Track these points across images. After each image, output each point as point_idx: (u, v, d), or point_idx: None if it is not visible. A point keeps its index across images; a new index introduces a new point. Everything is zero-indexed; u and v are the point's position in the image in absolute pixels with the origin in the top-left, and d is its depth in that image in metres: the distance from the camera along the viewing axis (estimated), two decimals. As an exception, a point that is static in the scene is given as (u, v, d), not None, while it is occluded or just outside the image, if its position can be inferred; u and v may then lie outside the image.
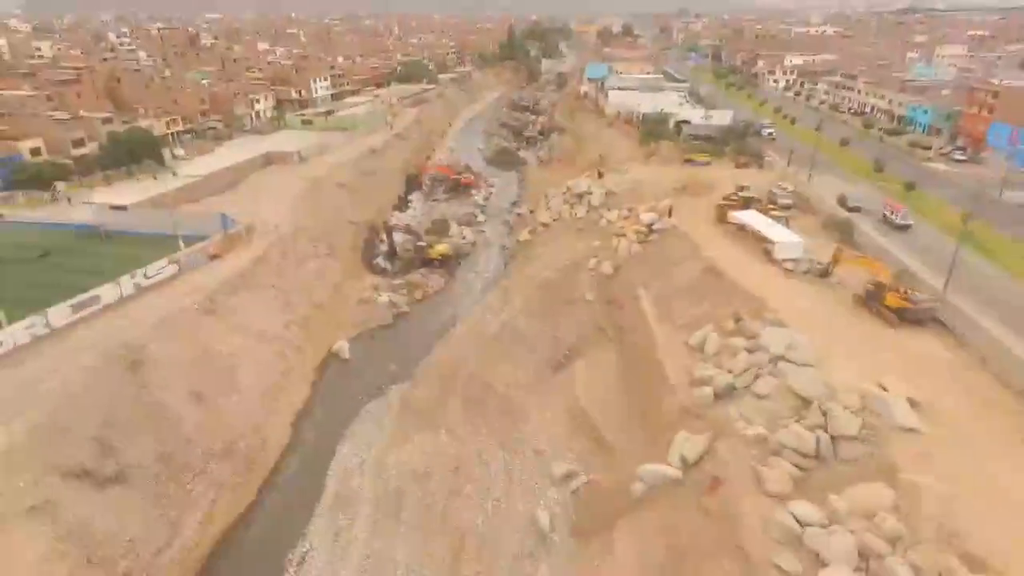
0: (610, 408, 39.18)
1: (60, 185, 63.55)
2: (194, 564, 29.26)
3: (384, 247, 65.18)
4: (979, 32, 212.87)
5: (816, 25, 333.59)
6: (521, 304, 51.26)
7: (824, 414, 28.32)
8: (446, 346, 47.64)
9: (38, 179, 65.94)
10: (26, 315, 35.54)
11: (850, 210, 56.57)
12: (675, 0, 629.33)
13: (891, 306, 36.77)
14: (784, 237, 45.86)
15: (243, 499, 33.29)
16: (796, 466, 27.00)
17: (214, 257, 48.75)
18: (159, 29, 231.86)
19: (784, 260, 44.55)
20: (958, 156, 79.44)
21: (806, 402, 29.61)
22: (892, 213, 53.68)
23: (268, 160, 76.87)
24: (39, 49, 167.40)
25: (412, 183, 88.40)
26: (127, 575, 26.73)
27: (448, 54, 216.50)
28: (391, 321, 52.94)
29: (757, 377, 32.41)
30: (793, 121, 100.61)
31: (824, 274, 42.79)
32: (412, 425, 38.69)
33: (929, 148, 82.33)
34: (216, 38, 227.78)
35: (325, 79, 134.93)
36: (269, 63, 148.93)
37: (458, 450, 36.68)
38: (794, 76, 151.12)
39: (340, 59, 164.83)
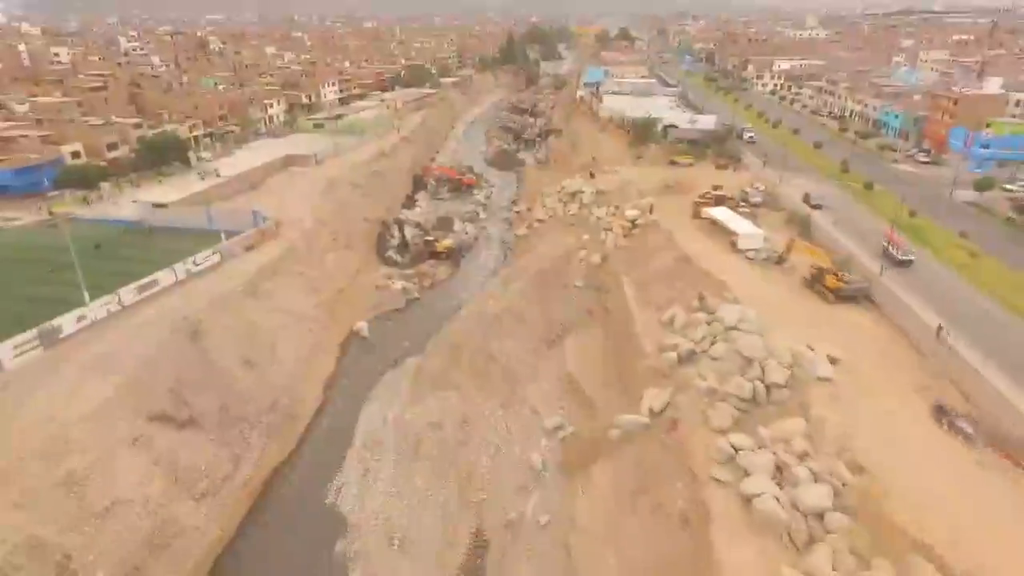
0: (595, 374, 46.10)
1: (105, 185, 70.33)
2: (253, 491, 36.11)
3: (395, 241, 71.94)
4: (964, 37, 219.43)
5: (810, 28, 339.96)
6: (519, 290, 58.07)
7: (762, 369, 35.22)
8: (453, 325, 54.40)
9: (82, 180, 72.79)
10: (94, 297, 42.15)
11: (813, 207, 63.43)
12: (676, 1, 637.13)
13: (829, 286, 43.74)
14: (746, 230, 52.74)
15: (287, 445, 40.15)
16: (737, 408, 33.86)
17: (249, 248, 55.60)
18: (172, 35, 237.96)
19: (746, 250, 51.47)
20: (922, 158, 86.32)
21: (749, 361, 36.44)
22: (892, 247, 50.09)
23: (288, 162, 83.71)
24: (57, 55, 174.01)
25: (418, 183, 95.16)
26: (204, 493, 33.56)
27: (449, 58, 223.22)
28: (404, 305, 59.83)
29: (713, 344, 39.26)
30: (775, 125, 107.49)
31: (779, 261, 49.71)
32: (426, 388, 45.51)
33: (896, 150, 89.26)
34: (224, 43, 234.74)
35: (333, 84, 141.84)
36: (280, 68, 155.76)
37: (466, 408, 43.50)
38: (781, 80, 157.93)
39: (347, 64, 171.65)
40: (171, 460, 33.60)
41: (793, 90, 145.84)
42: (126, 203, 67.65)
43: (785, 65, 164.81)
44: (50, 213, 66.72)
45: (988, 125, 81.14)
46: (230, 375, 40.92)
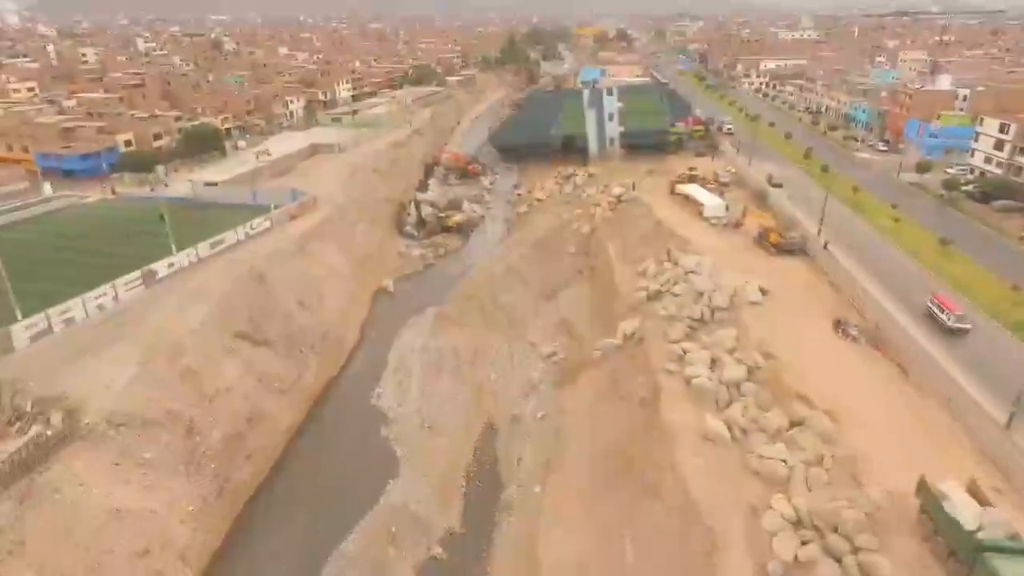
0: (582, 317, 56.30)
1: (160, 168, 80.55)
2: (313, 394, 46.30)
3: (411, 218, 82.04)
4: (946, 37, 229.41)
5: (804, 29, 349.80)
6: (520, 255, 68.29)
7: (709, 298, 45.41)
8: (465, 283, 64.54)
9: (137, 164, 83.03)
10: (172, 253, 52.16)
11: (773, 185, 73.65)
12: (676, 1, 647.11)
13: (772, 242, 53.95)
14: (711, 201, 62.94)
15: (336, 366, 50.35)
16: (689, 327, 44.04)
17: (293, 218, 65.75)
18: (191, 36, 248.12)
19: (711, 217, 61.66)
20: (881, 147, 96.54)
21: (701, 294, 46.62)
22: (941, 311, 41.45)
23: (314, 150, 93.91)
24: (84, 55, 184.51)
25: (429, 170, 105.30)
26: (280, 392, 43.73)
27: (454, 58, 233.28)
28: (422, 269, 70.02)
29: (675, 284, 49.47)
30: (754, 119, 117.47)
31: (737, 225, 59.96)
32: (444, 327, 55.63)
33: (858, 140, 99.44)
34: (237, 43, 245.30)
35: (347, 82, 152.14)
36: (297, 68, 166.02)
37: (478, 342, 53.64)
38: (766, 79, 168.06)
39: (357, 63, 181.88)
40: (255, 367, 43.82)
41: (776, 88, 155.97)
42: (179, 183, 77.84)
43: (771, 65, 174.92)
44: (113, 192, 77.11)
45: (938, 118, 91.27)
46: (289, 312, 51.10)
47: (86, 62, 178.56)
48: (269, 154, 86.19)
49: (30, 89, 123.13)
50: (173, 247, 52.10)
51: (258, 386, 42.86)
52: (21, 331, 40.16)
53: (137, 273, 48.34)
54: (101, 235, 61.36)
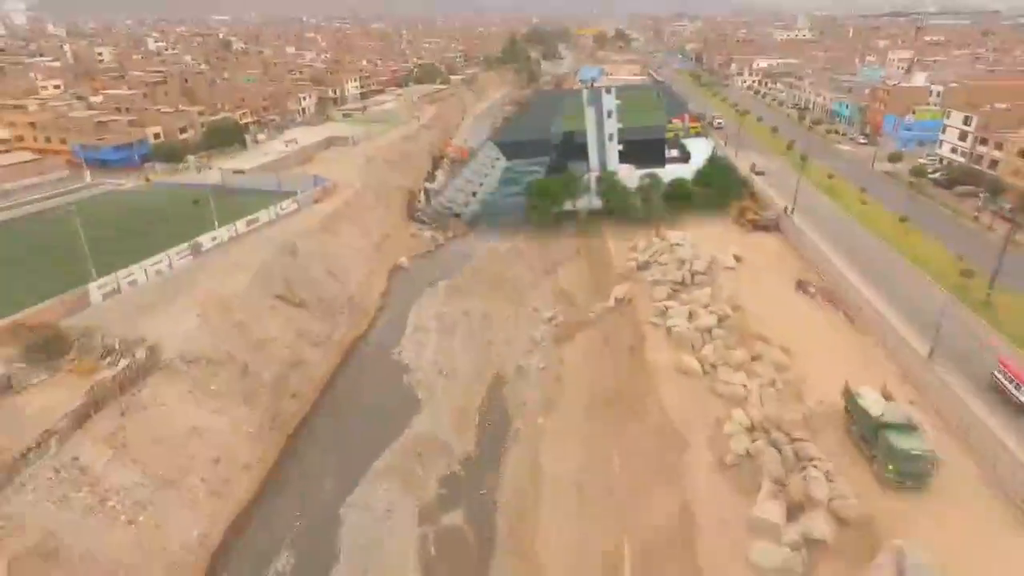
0: (580, 287, 62.83)
1: (191, 158, 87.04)
2: (344, 348, 52.80)
3: (422, 204, 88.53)
4: (935, 38, 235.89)
5: (799, 30, 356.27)
6: (524, 236, 74.83)
7: (690, 264, 51.95)
8: (474, 260, 71.03)
9: (166, 155, 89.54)
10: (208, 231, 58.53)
11: (756, 173, 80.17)
12: (676, 1, 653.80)
13: (748, 219, 60.47)
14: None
15: (361, 327, 56.80)
16: (671, 289, 50.58)
17: (316, 201, 72.24)
18: (202, 36, 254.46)
19: (696, 200, 68.17)
20: (861, 140, 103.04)
21: (683, 261, 53.17)
22: (1013, 383, 33.47)
23: (330, 142, 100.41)
24: (100, 55, 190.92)
25: (436, 162, 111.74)
26: (315, 344, 50.21)
27: (456, 58, 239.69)
28: (434, 249, 76.45)
29: (661, 255, 56.05)
30: (743, 114, 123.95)
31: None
32: (456, 296, 62.13)
33: (839, 133, 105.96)
34: (246, 43, 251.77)
35: (355, 80, 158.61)
36: (307, 66, 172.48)
37: (486, 307, 60.09)
38: (759, 77, 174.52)
39: (364, 62, 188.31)
40: (293, 323, 50.34)
41: (768, 85, 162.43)
42: (206, 172, 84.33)
43: (763, 64, 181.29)
44: (146, 179, 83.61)
45: (913, 112, 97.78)
46: (319, 280, 57.62)
47: (102, 60, 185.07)
48: (296, 142, 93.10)
49: (56, 86, 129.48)
50: (216, 223, 58.63)
51: (297, 339, 49.36)
52: (95, 290, 46.71)
53: (186, 245, 54.88)
54: (143, 216, 67.84)
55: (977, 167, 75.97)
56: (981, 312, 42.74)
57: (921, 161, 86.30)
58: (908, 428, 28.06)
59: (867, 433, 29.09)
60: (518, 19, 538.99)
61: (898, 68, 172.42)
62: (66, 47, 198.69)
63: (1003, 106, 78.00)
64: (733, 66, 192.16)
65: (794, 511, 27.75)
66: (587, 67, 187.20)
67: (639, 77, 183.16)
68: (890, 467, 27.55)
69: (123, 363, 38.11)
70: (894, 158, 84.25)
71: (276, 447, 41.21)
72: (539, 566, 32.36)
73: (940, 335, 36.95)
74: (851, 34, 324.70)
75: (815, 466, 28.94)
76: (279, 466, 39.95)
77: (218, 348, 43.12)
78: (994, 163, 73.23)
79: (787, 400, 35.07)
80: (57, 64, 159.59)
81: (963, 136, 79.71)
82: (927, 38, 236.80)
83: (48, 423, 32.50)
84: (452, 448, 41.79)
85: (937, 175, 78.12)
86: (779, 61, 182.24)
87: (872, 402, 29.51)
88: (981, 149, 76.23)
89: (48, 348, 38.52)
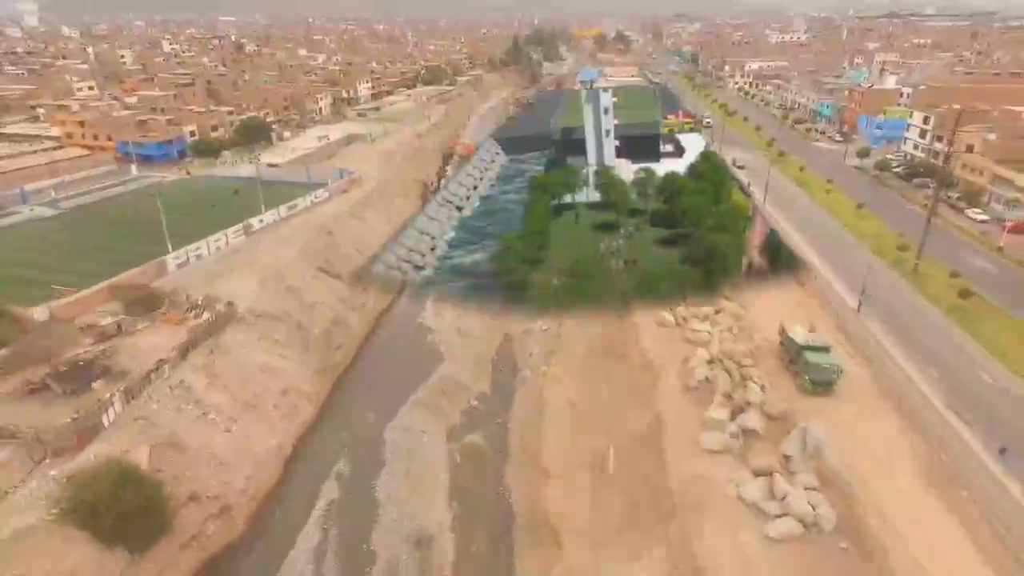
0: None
1: (227, 152, 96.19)
2: (376, 313, 61.87)
3: (434, 191, 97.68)
4: (923, 40, 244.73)
5: (795, 32, 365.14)
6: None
7: (671, 242, 60.98)
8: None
9: (202, 151, 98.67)
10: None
11: (737, 167, 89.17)
12: (676, 2, 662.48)
13: (724, 205, 69.42)
14: (681, 176, 78.40)
15: (388, 299, 65.87)
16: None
17: (344, 191, 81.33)
18: (219, 40, 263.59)
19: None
20: (837, 138, 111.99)
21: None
22: None
23: (350, 139, 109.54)
24: (123, 57, 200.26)
25: (446, 158, 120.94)
26: (353, 309, 59.29)
27: (461, 60, 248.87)
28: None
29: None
30: (731, 114, 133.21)
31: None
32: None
33: (819, 132, 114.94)
34: (258, 46, 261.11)
35: (367, 82, 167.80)
36: (319, 68, 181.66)
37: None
38: (750, 79, 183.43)
39: (374, 64, 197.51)
40: (334, 291, 59.46)
41: (757, 87, 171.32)
42: (241, 166, 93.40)
43: (754, 66, 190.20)
44: (187, 172, 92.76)
45: (884, 112, 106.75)
46: (352, 256, 66.75)
47: (124, 63, 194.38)
48: (328, 138, 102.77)
49: (90, 88, 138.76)
50: (263, 207, 67.79)
51: (338, 303, 58.50)
52: (171, 260, 55.87)
53: (240, 226, 64.01)
54: (190, 203, 76.92)
55: (934, 161, 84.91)
56: (908, 278, 51.75)
57: (889, 156, 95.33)
58: (822, 349, 37.21)
59: (793, 355, 38.16)
60: (520, 20, 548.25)
61: (882, 70, 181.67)
62: (90, 50, 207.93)
63: (958, 107, 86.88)
64: (726, 68, 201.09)
65: (736, 413, 36.76)
66: (586, 69, 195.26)
67: (636, 79, 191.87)
68: (807, 378, 36.72)
69: (206, 315, 47.20)
70: (862, 154, 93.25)
71: (328, 385, 50.25)
72: (543, 467, 41.39)
73: (868, 294, 46.00)
74: (845, 36, 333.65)
75: (754, 382, 37.96)
76: (332, 400, 49.02)
77: (277, 307, 52.24)
78: (948, 158, 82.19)
79: (740, 340, 44.08)
80: (85, 67, 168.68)
81: (923, 134, 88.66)
82: (915, 40, 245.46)
83: (159, 356, 41.59)
84: (471, 388, 50.79)
85: (899, 169, 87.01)
86: (769, 64, 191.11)
87: (798, 333, 38.62)
88: (937, 146, 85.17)
89: (145, 303, 47.68)
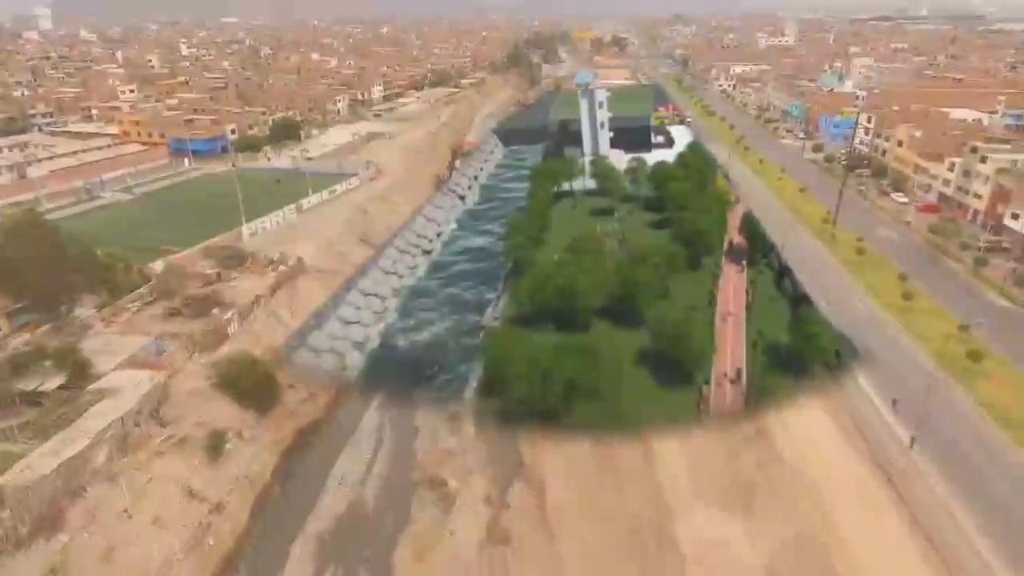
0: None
1: (267, 147, 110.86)
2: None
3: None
4: (900, 45, 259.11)
5: (785, 36, 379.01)
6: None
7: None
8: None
9: (244, 146, 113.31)
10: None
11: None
12: (676, 3, 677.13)
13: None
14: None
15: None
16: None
17: (372, 180, 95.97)
18: (238, 44, 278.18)
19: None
20: (800, 135, 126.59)
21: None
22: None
23: (371, 137, 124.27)
24: (150, 60, 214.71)
25: (455, 155, 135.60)
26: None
27: (465, 63, 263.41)
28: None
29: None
30: (711, 113, 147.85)
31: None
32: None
33: (788, 131, 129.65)
34: (272, 50, 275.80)
35: (379, 84, 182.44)
36: (334, 71, 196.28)
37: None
38: (734, 82, 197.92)
39: (385, 68, 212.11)
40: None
41: (739, 89, 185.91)
42: (277, 159, 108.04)
43: (738, 69, 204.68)
44: (233, 165, 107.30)
45: (841, 113, 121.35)
46: (383, 230, 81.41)
47: (152, 66, 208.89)
48: (359, 134, 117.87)
49: (131, 90, 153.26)
50: (310, 190, 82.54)
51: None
52: (245, 230, 70.50)
53: (293, 205, 78.70)
54: (242, 190, 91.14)
55: (874, 154, 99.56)
56: (824, 240, 66.42)
57: (842, 152, 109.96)
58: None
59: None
60: (520, 22, 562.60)
61: (859, 74, 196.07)
62: (119, 55, 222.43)
63: (896, 108, 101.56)
64: (713, 71, 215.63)
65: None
66: (583, 72, 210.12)
67: (630, 82, 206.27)
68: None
69: (282, 268, 61.82)
70: (817, 148, 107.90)
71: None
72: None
73: (788, 254, 60.72)
74: (832, 40, 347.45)
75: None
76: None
77: (332, 265, 66.90)
78: (884, 152, 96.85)
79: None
80: (121, 71, 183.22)
81: (867, 131, 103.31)
82: (893, 45, 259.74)
83: (256, 293, 56.17)
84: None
85: (845, 161, 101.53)
86: (752, 67, 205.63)
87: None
88: (877, 141, 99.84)
89: (233, 259, 62.30)
